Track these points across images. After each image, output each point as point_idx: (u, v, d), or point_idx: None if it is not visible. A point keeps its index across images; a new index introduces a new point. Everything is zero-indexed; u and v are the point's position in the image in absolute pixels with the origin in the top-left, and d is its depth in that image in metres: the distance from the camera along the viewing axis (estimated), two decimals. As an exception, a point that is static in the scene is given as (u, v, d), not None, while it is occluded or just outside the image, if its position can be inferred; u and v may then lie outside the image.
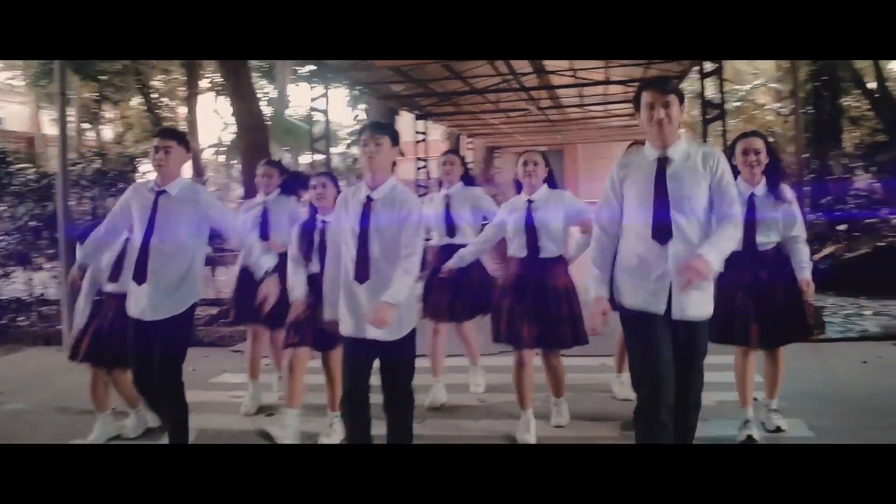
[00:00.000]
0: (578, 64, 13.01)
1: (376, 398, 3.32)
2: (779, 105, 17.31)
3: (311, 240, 4.09)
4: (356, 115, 17.97)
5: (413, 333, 3.31)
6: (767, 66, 18.85)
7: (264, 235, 4.82)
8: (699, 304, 2.95)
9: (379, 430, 3.37)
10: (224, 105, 19.38)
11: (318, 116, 11.74)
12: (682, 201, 2.91)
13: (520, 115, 18.08)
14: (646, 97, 2.96)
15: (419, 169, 15.59)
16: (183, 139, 3.74)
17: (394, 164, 3.35)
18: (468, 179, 5.06)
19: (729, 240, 2.90)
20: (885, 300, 7.93)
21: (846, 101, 14.95)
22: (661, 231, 2.90)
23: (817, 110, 13.87)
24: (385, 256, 3.19)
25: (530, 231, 4.11)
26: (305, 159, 16.91)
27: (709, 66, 9.95)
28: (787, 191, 3.92)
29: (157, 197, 3.60)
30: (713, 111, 9.89)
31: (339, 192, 4.14)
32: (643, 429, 2.97)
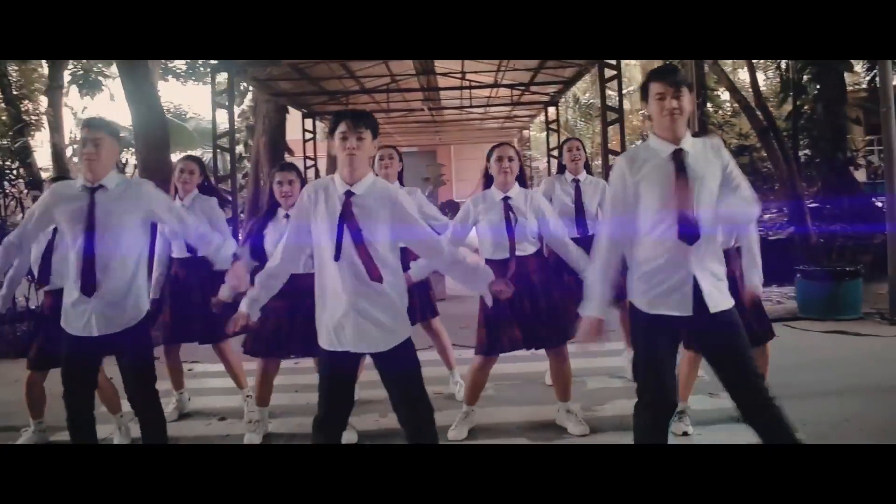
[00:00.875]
0: (469, 66, 13.30)
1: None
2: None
3: (275, 241, 3.78)
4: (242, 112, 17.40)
5: (409, 338, 2.98)
6: (644, 69, 19.90)
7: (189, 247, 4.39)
8: (725, 294, 2.86)
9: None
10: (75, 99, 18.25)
11: (191, 113, 11.25)
12: (703, 195, 2.78)
13: (401, 116, 18.22)
14: (656, 87, 2.79)
15: (307, 168, 15.32)
16: (113, 129, 3.33)
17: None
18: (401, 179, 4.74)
19: (757, 246, 2.96)
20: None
21: (711, 106, 16.08)
22: (689, 230, 2.75)
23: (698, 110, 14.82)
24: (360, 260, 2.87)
25: (510, 230, 3.93)
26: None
27: (608, 71, 10.44)
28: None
29: (92, 194, 3.20)
30: (612, 115, 10.39)
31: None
32: (642, 432, 2.89)
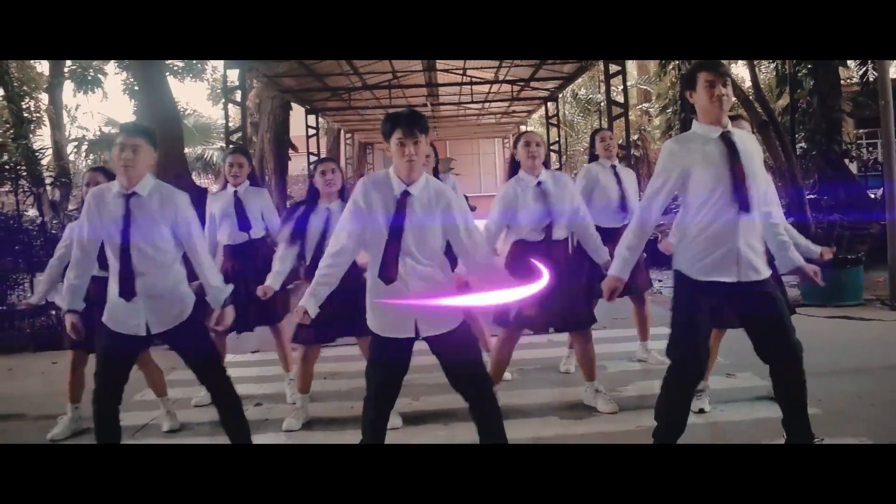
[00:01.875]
0: (470, 62, 13.50)
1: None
2: (647, 105, 18.67)
3: (314, 227, 4.05)
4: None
5: (463, 320, 3.12)
6: (640, 67, 20.18)
7: (244, 227, 4.73)
8: (764, 265, 3.11)
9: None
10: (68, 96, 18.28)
11: (189, 110, 11.34)
12: (751, 172, 3.03)
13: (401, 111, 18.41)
14: (705, 76, 3.04)
15: (311, 164, 15.43)
16: (151, 135, 3.38)
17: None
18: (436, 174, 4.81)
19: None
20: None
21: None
22: (743, 202, 3.00)
23: (684, 110, 14.98)
24: (419, 253, 3.01)
25: (546, 214, 4.05)
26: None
27: (613, 67, 10.66)
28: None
29: (127, 201, 3.25)
30: (618, 110, 10.60)
31: (343, 181, 4.24)
32: (668, 393, 3.15)
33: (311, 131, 15.73)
